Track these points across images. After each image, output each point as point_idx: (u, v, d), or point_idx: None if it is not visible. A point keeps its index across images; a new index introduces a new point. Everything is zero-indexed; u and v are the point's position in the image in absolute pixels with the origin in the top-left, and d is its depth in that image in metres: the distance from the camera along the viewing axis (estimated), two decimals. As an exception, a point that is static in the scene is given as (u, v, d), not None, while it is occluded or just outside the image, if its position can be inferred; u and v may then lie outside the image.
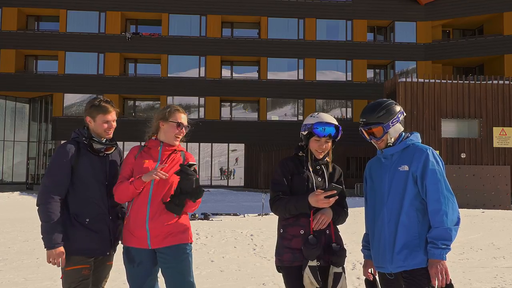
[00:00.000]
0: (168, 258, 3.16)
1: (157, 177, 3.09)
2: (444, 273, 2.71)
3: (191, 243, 3.28)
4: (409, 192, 2.85)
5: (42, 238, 3.16)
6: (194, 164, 3.19)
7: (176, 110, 3.35)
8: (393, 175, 2.91)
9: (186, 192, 3.10)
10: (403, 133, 3.04)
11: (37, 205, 3.19)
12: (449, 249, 2.76)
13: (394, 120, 2.99)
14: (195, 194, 3.11)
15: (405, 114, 3.10)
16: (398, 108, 3.04)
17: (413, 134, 3.04)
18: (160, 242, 3.16)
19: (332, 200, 2.95)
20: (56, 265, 3.14)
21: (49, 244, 3.11)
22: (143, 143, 3.44)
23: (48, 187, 3.18)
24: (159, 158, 3.27)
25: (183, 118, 3.33)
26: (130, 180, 3.16)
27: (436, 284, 2.73)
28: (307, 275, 2.90)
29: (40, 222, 3.17)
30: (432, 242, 2.75)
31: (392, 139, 3.00)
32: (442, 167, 2.87)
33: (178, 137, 3.31)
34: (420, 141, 3.04)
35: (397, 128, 3.01)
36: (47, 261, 3.15)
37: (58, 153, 3.26)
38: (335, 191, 2.91)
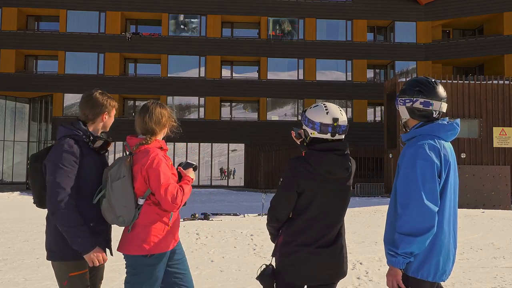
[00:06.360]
0: (179, 252, 3.19)
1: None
2: (391, 285, 2.49)
3: None
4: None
5: (73, 245, 2.87)
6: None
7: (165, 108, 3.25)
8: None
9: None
10: (423, 121, 2.64)
11: (53, 212, 2.85)
12: (398, 257, 2.45)
13: (401, 100, 2.67)
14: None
15: (419, 104, 2.62)
16: (416, 91, 2.61)
17: (427, 126, 2.60)
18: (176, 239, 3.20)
19: None
20: (103, 262, 3.00)
21: (85, 247, 2.89)
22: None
23: (62, 190, 2.87)
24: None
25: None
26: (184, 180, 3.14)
27: None
28: None
29: (64, 228, 2.86)
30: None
31: (403, 121, 2.71)
32: (419, 170, 2.45)
33: None
34: (436, 134, 2.59)
35: (404, 111, 2.68)
36: (90, 265, 2.95)
37: (64, 152, 2.92)
38: None
